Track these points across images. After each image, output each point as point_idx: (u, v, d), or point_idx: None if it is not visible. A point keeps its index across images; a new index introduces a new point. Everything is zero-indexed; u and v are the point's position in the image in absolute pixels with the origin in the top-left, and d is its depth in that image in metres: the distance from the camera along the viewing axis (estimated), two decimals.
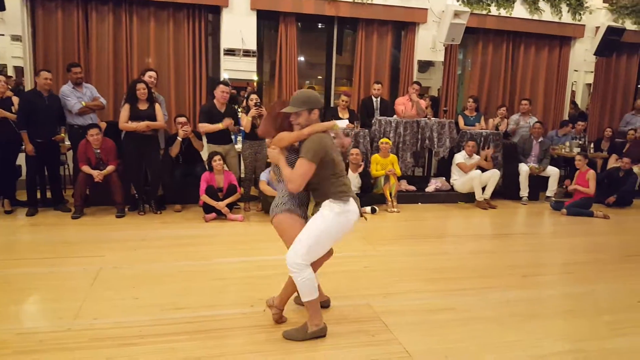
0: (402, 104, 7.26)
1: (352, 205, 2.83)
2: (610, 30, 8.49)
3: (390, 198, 6.41)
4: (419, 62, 8.29)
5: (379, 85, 7.42)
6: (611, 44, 8.62)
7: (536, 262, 4.61)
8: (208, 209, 5.50)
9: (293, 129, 2.82)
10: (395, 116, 7.16)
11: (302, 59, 8.49)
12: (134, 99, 5.49)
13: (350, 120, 6.93)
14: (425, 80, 9.58)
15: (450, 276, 4.06)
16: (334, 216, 2.77)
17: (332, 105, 8.13)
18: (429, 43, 8.15)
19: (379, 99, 7.44)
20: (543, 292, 3.83)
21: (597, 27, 8.77)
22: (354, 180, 6.26)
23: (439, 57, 8.26)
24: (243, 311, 3.24)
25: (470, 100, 7.83)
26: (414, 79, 7.99)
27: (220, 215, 5.56)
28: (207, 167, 5.69)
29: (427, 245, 4.90)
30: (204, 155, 6.07)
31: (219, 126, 5.71)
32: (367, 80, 8.03)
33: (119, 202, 5.58)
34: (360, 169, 6.35)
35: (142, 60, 7.22)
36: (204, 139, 6.15)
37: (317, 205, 2.85)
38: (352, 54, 8.18)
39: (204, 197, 5.47)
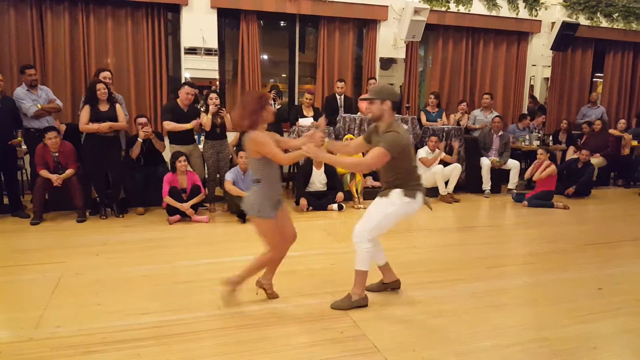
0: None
1: (420, 197, 3.26)
2: (565, 25, 8.82)
3: (357, 195, 6.46)
4: (381, 59, 8.40)
5: (342, 83, 7.49)
6: (566, 38, 8.96)
7: (500, 254, 4.74)
8: (172, 211, 5.44)
9: (258, 126, 3.02)
10: (359, 113, 7.21)
11: (265, 57, 8.46)
12: (94, 100, 5.36)
13: (315, 118, 6.95)
14: (387, 78, 9.68)
15: (418, 270, 4.12)
16: (401, 204, 3.21)
17: (296, 103, 8.13)
18: (390, 40, 8.28)
19: (342, 96, 7.50)
20: (508, 283, 3.94)
21: (553, 23, 9.10)
22: (318, 176, 6.30)
23: (401, 54, 8.40)
24: (210, 314, 3.22)
25: (432, 96, 7.99)
26: (376, 76, 8.09)
27: (184, 217, 5.50)
28: (169, 168, 5.62)
29: (394, 240, 4.91)
30: (166, 156, 5.98)
31: (187, 126, 5.65)
32: (330, 78, 8.08)
33: (80, 206, 5.46)
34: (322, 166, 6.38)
35: (100, 60, 7.06)
36: (166, 140, 6.06)
37: (386, 189, 3.22)
38: (315, 52, 8.22)
39: (167, 199, 5.41)
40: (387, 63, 8.58)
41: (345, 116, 7.06)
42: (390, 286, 3.67)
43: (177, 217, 5.46)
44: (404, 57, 8.43)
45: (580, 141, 8.61)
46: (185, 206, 5.43)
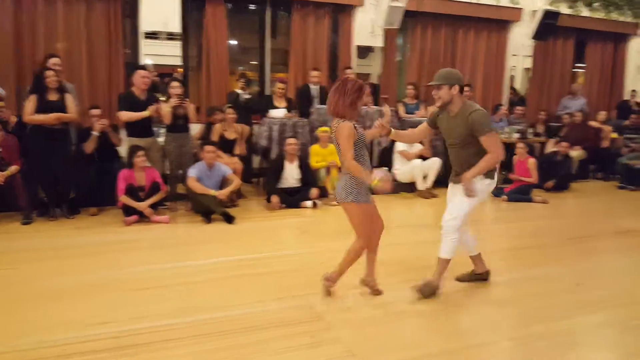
0: None
1: (496, 176, 3.51)
2: (546, 14, 8.96)
3: (332, 191, 6.43)
4: (358, 47, 8.36)
5: (317, 72, 7.41)
6: (548, 27, 9.11)
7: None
8: (129, 210, 5.29)
9: (356, 112, 3.18)
10: None
11: (233, 43, 8.32)
12: (42, 89, 5.14)
13: (288, 109, 6.89)
14: (364, 67, 9.63)
15: (394, 269, 4.12)
16: (483, 188, 3.44)
17: (267, 93, 8.03)
18: (367, 27, 8.24)
19: (317, 86, 7.43)
20: (489, 279, 3.97)
21: (534, 11, 9.23)
22: (292, 172, 6.23)
23: (378, 42, 8.37)
24: (173, 322, 3.14)
25: (410, 87, 7.99)
26: (353, 65, 8.05)
27: (143, 218, 5.35)
28: (126, 163, 5.45)
29: None
30: (122, 150, 5.81)
31: (145, 114, 5.48)
32: (304, 67, 7.99)
33: (25, 207, 5.24)
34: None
35: (49, 45, 6.76)
36: (122, 133, 5.89)
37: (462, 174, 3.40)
38: (288, 38, 8.12)
39: (124, 198, 5.25)
40: (364, 51, 8.56)
41: (321, 108, 7.00)
42: (481, 277, 3.88)
43: (135, 217, 5.31)
44: (382, 45, 8.40)
45: (560, 133, 8.78)
46: (144, 205, 5.28)
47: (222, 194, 5.58)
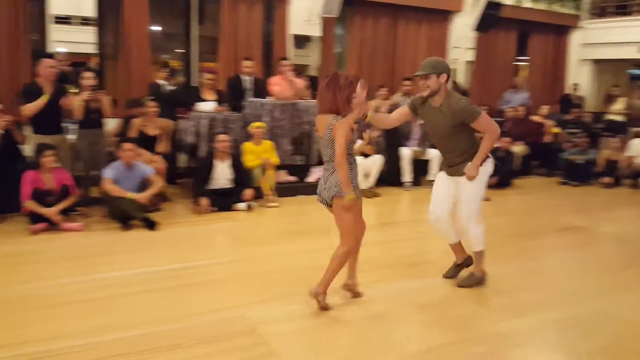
0: (277, 83, 7.20)
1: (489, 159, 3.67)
2: (488, 4, 9.28)
3: (268, 191, 6.36)
4: (295, 36, 8.32)
5: (250, 62, 7.29)
6: (490, 19, 9.44)
7: (424, 250, 4.90)
8: (35, 218, 4.99)
9: (350, 107, 3.22)
10: (270, 97, 7.10)
11: (155, 29, 8.06)
12: None
13: (218, 102, 6.75)
14: (302, 57, 9.62)
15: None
16: (483, 173, 3.62)
17: (194, 84, 7.86)
18: (303, 15, 8.22)
19: (250, 77, 7.31)
20: (432, 281, 4.06)
21: (476, 1, 9.55)
22: (223, 171, 6.09)
23: (316, 31, 8.37)
24: (91, 341, 2.99)
25: None
26: (289, 55, 8.00)
27: (52, 225, 5.06)
28: (32, 164, 5.14)
29: (310, 242, 4.93)
30: (27, 149, 5.51)
31: (42, 100, 5.20)
32: (235, 56, 7.86)
33: None
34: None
35: None
36: (28, 129, 5.56)
37: (458, 165, 3.61)
38: (217, 25, 7.95)
39: (29, 204, 4.95)
40: (301, 41, 8.54)
41: (254, 101, 6.90)
42: (463, 265, 4.05)
43: (43, 225, 5.01)
44: (320, 35, 8.40)
45: (502, 128, 9.14)
46: (53, 211, 5.00)
47: (143, 197, 5.37)
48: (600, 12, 11.09)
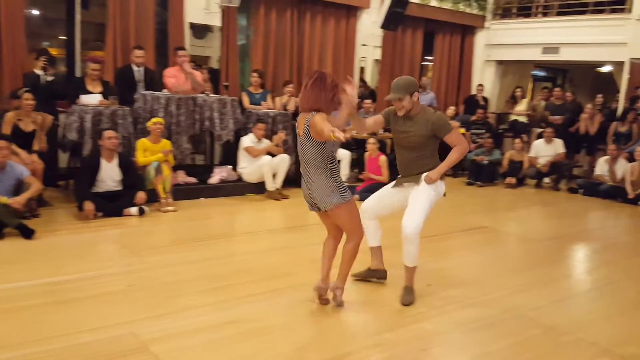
0: (173, 76, 7.06)
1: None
2: (395, 1, 9.62)
3: (164, 194, 6.17)
4: (192, 25, 8.13)
5: (142, 51, 7.07)
6: (396, 16, 9.79)
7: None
8: None
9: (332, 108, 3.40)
10: (165, 90, 6.95)
11: (32, 12, 7.54)
12: None
13: (105, 95, 6.49)
14: (201, 48, 9.43)
15: (238, 282, 4.11)
16: (438, 186, 3.85)
17: (78, 75, 7.48)
18: (201, 3, 8.06)
19: (142, 68, 7.09)
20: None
21: None
22: (110, 172, 5.84)
23: (216, 21, 8.23)
24: None
25: (255, 74, 8.03)
26: (186, 46, 7.79)
27: None
28: None
29: (210, 249, 4.89)
30: None
31: None
32: (125, 44, 7.53)
33: None
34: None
35: None
36: None
37: (417, 175, 3.85)
38: (104, 10, 7.58)
39: None
40: (201, 31, 8.35)
41: (147, 94, 6.68)
42: (377, 275, 4.23)
43: None
44: (220, 24, 8.27)
45: None
46: None
47: (17, 201, 5.02)
48: (504, 13, 11.89)
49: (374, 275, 4.23)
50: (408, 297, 3.89)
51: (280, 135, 7.32)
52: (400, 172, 4.01)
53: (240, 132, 7.33)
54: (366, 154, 7.69)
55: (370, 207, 4.09)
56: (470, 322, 3.63)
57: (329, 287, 3.69)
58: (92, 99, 6.39)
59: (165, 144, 6.38)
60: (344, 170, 8.01)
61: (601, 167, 8.74)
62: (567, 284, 4.66)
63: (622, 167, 8.42)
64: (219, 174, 7.19)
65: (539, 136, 9.73)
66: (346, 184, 8.09)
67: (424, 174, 3.83)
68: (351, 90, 3.39)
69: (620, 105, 9.87)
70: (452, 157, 3.85)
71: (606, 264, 5.25)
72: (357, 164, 8.74)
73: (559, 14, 11.23)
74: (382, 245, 4.22)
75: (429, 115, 3.84)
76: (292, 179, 7.61)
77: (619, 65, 10.27)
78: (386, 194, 4.09)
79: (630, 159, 8.43)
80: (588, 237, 6.51)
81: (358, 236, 3.63)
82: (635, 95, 9.77)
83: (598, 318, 3.86)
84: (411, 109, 3.82)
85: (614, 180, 8.44)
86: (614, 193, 8.33)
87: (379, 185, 7.39)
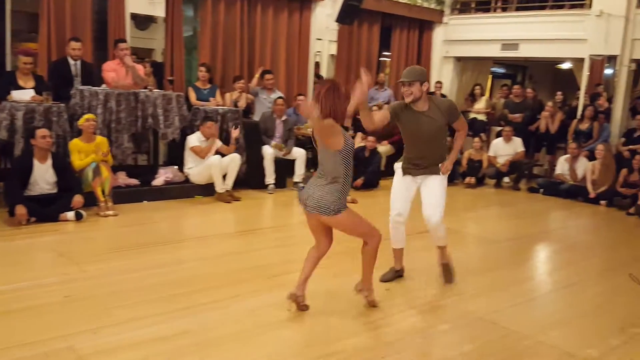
0: (113, 69, 7.02)
1: None
2: None
3: (104, 197, 6.10)
4: (135, 16, 8.02)
5: (78, 43, 6.97)
6: (351, 10, 9.92)
7: (285, 259, 4.99)
8: None
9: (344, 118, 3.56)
10: (104, 85, 6.87)
11: None
12: None
13: (37, 90, 6.35)
14: (145, 41, 9.32)
15: (185, 291, 4.09)
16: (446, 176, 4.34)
17: (9, 69, 7.29)
18: None
19: (79, 61, 6.99)
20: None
21: None
22: (44, 174, 5.74)
23: (160, 11, 8.16)
24: None
25: (203, 69, 8.00)
26: (127, 37, 7.69)
27: None
28: None
29: (156, 256, 4.87)
30: None
31: None
32: (60, 36, 7.41)
33: None
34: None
35: None
36: None
37: (432, 166, 4.23)
38: None
39: None
40: (143, 22, 8.25)
41: (84, 89, 6.59)
42: (399, 274, 4.59)
43: None
44: (164, 15, 8.19)
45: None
46: None
47: None
48: (462, 8, 12.19)
49: (399, 274, 4.58)
50: (451, 276, 4.52)
51: (233, 132, 7.29)
52: (415, 163, 4.27)
53: (186, 130, 7.29)
54: None
55: (405, 209, 4.35)
56: (429, 327, 3.74)
57: (303, 295, 3.79)
58: (24, 94, 6.26)
59: (100, 141, 6.27)
60: (299, 171, 8.07)
61: (562, 166, 9.09)
62: (527, 286, 4.83)
63: (583, 166, 8.78)
64: (163, 175, 7.13)
65: (498, 135, 10.03)
66: (302, 185, 8.29)
67: (441, 165, 4.24)
68: (367, 80, 3.58)
69: (581, 102, 10.25)
70: (460, 143, 4.41)
71: (567, 265, 5.48)
72: (314, 163, 8.79)
73: (519, 9, 11.60)
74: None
75: (440, 102, 4.28)
76: (244, 180, 7.63)
77: (579, 62, 10.66)
78: (404, 192, 4.35)
79: (591, 157, 8.80)
80: (549, 237, 6.78)
81: (373, 237, 3.76)
82: (595, 92, 10.22)
83: (559, 321, 4.01)
84: (419, 97, 4.09)
85: (575, 179, 8.80)
86: (575, 192, 8.67)
87: None
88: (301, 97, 8.69)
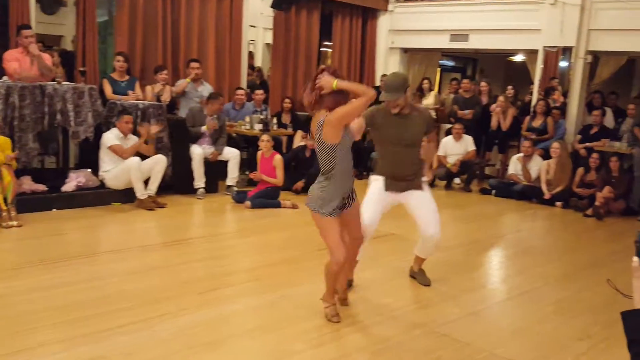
0: (16, 59, 6.82)
1: None
2: None
3: (6, 206, 5.91)
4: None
5: None
6: None
7: (217, 272, 4.99)
8: None
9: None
10: (5, 77, 6.70)
11: None
12: None
13: None
14: (53, 27, 9.08)
15: (103, 311, 4.03)
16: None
17: None
18: None
19: None
20: (227, 309, 4.18)
21: None
22: None
23: None
24: None
25: (120, 58, 7.87)
26: (32, 24, 7.47)
27: None
28: None
29: (67, 272, 4.76)
30: None
31: None
32: None
33: None
34: None
35: None
36: None
37: (413, 180, 4.49)
38: None
39: None
40: (51, 5, 8.01)
41: None
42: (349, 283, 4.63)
43: None
44: None
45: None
46: None
47: None
48: None
49: (348, 284, 4.57)
50: (426, 278, 4.90)
51: (150, 129, 7.13)
52: (394, 173, 4.46)
53: (101, 128, 7.12)
54: (259, 154, 7.74)
55: (375, 221, 4.45)
56: (376, 342, 3.78)
57: (344, 287, 4.25)
58: None
59: (3, 142, 6.08)
60: (232, 173, 8.02)
61: (514, 165, 9.36)
62: (480, 294, 4.98)
63: (537, 165, 9.06)
64: (75, 180, 6.95)
65: (448, 133, 10.23)
66: (235, 189, 8.23)
67: (424, 178, 4.57)
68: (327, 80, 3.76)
69: (535, 97, 10.54)
70: (434, 153, 4.90)
71: (522, 271, 5.67)
72: (249, 165, 8.78)
73: None
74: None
75: (421, 110, 4.63)
76: (169, 184, 7.51)
77: (532, 53, 10.93)
78: (379, 204, 4.48)
79: (546, 156, 9.08)
80: (502, 242, 7.01)
81: (332, 256, 3.90)
82: (549, 86, 10.50)
83: (515, 331, 4.15)
84: (405, 106, 4.32)
85: (529, 179, 9.08)
86: (529, 193, 8.96)
87: (273, 189, 7.50)
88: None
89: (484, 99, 10.81)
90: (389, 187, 4.48)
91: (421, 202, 4.52)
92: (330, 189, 3.80)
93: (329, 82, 3.70)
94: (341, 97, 3.74)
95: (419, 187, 4.51)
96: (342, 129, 3.73)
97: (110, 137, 6.96)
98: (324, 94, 3.73)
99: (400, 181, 4.46)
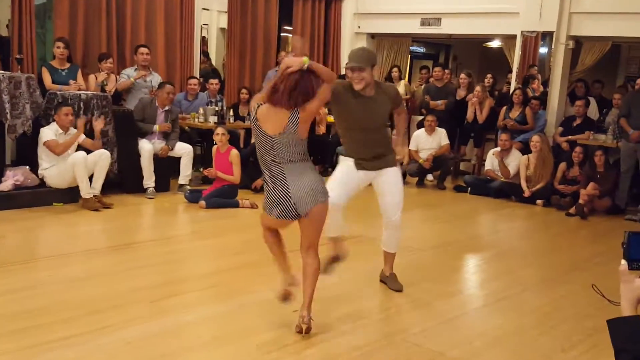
0: None
1: None
2: None
3: None
4: None
5: None
6: None
7: (169, 279, 4.98)
8: None
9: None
10: None
11: None
12: None
13: None
14: None
15: (44, 321, 3.99)
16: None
17: None
18: None
19: None
20: (180, 319, 4.15)
21: None
22: None
23: None
24: None
25: (60, 44, 7.78)
26: None
27: None
28: None
29: (3, 280, 4.72)
30: None
31: None
32: None
33: None
34: None
35: None
36: None
37: (385, 157, 4.57)
38: None
39: None
40: None
41: None
42: (337, 259, 4.68)
43: None
44: None
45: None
46: None
47: None
48: None
49: (336, 260, 4.65)
50: (398, 284, 4.85)
51: (95, 123, 7.06)
52: (361, 154, 4.51)
53: (40, 121, 7.04)
54: (214, 148, 7.70)
55: (341, 200, 4.42)
56: (343, 353, 3.78)
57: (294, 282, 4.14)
58: None
59: None
60: (185, 171, 7.98)
61: (491, 160, 9.37)
62: (455, 301, 5.00)
63: (516, 160, 9.08)
64: (12, 178, 6.87)
65: (420, 125, 10.24)
66: (189, 187, 8.21)
67: (397, 157, 4.69)
68: (300, 47, 4.02)
69: (513, 87, 10.49)
70: (404, 125, 5.03)
71: (500, 276, 5.73)
72: (204, 161, 8.73)
73: None
74: None
75: (386, 87, 4.75)
76: (116, 183, 7.43)
77: (510, 39, 10.84)
78: (348, 183, 4.52)
79: (525, 150, 9.10)
80: (479, 243, 7.07)
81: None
82: (528, 74, 10.48)
83: (493, 340, 4.18)
84: (370, 83, 4.36)
85: (507, 175, 9.10)
86: (507, 191, 9.00)
87: (230, 187, 7.46)
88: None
89: (463, 93, 10.67)
90: (359, 165, 4.53)
91: (388, 182, 4.62)
92: (317, 174, 3.98)
93: (297, 60, 3.65)
94: (315, 81, 3.70)
95: (392, 163, 4.62)
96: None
97: (48, 132, 6.86)
98: (291, 81, 3.65)
99: (369, 161, 4.53)
